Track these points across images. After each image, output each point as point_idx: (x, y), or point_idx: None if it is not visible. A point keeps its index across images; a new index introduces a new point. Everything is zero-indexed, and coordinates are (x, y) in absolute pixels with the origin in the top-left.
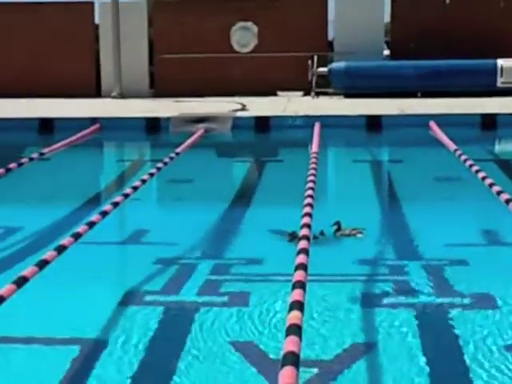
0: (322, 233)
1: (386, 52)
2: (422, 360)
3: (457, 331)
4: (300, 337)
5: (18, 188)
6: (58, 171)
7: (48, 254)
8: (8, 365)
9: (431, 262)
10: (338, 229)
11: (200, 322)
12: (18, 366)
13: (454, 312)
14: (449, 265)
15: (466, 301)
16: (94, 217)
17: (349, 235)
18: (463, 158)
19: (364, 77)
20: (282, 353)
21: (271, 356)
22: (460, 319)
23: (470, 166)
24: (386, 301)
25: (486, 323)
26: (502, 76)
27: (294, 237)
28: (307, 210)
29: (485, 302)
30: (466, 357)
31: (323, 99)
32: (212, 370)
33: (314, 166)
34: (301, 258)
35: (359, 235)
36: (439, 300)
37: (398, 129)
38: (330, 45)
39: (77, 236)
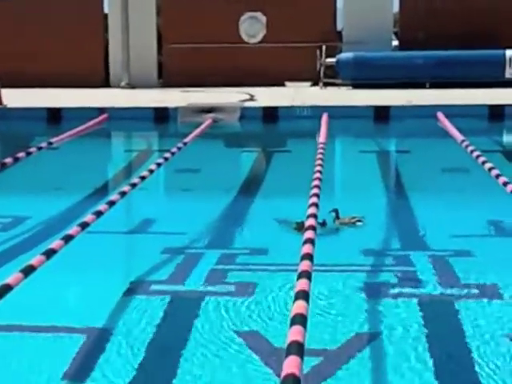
0: (324, 223)
1: (395, 42)
2: (427, 351)
3: (462, 322)
4: (305, 326)
5: (26, 177)
6: (66, 161)
7: (55, 243)
8: (15, 353)
9: (437, 253)
10: (337, 217)
11: (206, 311)
12: (24, 355)
13: (459, 303)
14: (455, 255)
15: (472, 291)
16: (102, 206)
17: (348, 223)
18: (470, 148)
19: (372, 67)
20: (286, 342)
21: (276, 345)
22: (466, 310)
23: (477, 156)
24: (391, 291)
25: (491, 314)
26: (510, 67)
27: (300, 226)
28: (313, 200)
29: (491, 292)
30: (471, 347)
31: (331, 90)
32: (217, 359)
33: (321, 156)
34: (307, 248)
35: (359, 223)
36: (445, 291)
37: (405, 120)
38: (339, 35)
39: (84, 225)
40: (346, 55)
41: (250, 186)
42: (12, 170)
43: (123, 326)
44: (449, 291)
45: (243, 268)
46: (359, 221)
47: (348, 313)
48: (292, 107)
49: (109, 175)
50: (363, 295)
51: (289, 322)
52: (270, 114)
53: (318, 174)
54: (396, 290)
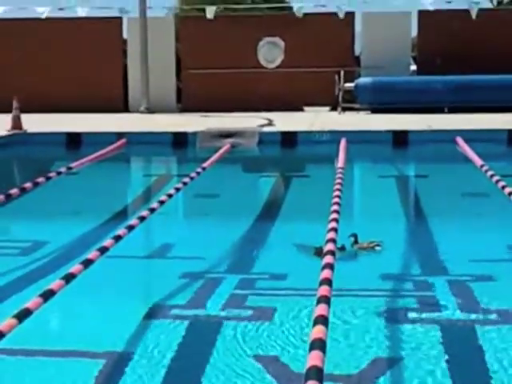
0: (342, 247)
1: (413, 67)
2: (447, 377)
3: (483, 347)
4: (324, 351)
5: (46, 202)
6: (85, 185)
7: (75, 267)
8: (35, 378)
9: (457, 278)
10: (355, 241)
11: (225, 335)
12: (45, 379)
13: (480, 328)
14: (475, 280)
15: (493, 317)
16: (121, 231)
17: (366, 248)
18: (490, 173)
19: (391, 92)
20: (305, 367)
21: (295, 370)
22: (487, 335)
23: (497, 181)
24: (410, 316)
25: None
26: None
27: (319, 251)
28: (333, 224)
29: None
30: (491, 373)
31: (350, 114)
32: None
33: (339, 181)
34: (326, 273)
35: (377, 248)
36: (465, 316)
37: (424, 144)
38: (357, 60)
39: (103, 250)
40: (364, 80)
41: (269, 211)
42: (32, 194)
43: (143, 350)
44: (469, 316)
45: (262, 293)
46: (378, 245)
47: (367, 338)
48: (310, 132)
49: (128, 200)
50: (382, 320)
51: (308, 347)
52: (289, 139)
53: (336, 199)
54: (415, 315)
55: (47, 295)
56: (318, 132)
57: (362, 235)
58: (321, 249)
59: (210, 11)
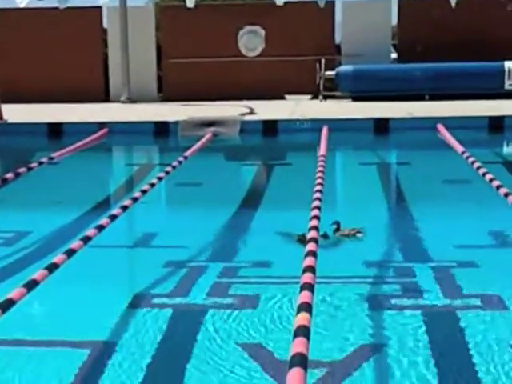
0: (325, 235)
1: (394, 55)
2: (430, 362)
3: (466, 333)
4: (308, 338)
5: (28, 192)
6: (67, 175)
7: (58, 257)
8: (19, 368)
9: (439, 264)
10: (338, 228)
11: (208, 324)
12: (28, 369)
13: (462, 314)
14: (457, 266)
15: (475, 302)
16: (103, 220)
17: (348, 235)
18: (471, 160)
19: (372, 80)
20: (290, 354)
21: (279, 357)
22: (469, 321)
23: (478, 168)
24: (393, 302)
25: (494, 325)
26: (509, 78)
27: (302, 239)
28: (315, 212)
29: (494, 303)
30: (475, 358)
31: (331, 102)
32: (220, 371)
33: (321, 169)
34: (309, 261)
35: (359, 235)
36: (447, 302)
37: (405, 132)
38: (338, 48)
39: (86, 239)
40: (345, 68)
41: (251, 199)
42: (13, 185)
43: (127, 339)
44: (451, 302)
45: (246, 281)
46: (359, 232)
47: (351, 324)
48: (292, 120)
49: (110, 189)
50: (366, 307)
51: (292, 334)
52: (270, 128)
53: (318, 187)
54: (398, 302)
55: (30, 285)
56: (300, 120)
57: (345, 222)
58: (303, 236)
59: (191, 0)
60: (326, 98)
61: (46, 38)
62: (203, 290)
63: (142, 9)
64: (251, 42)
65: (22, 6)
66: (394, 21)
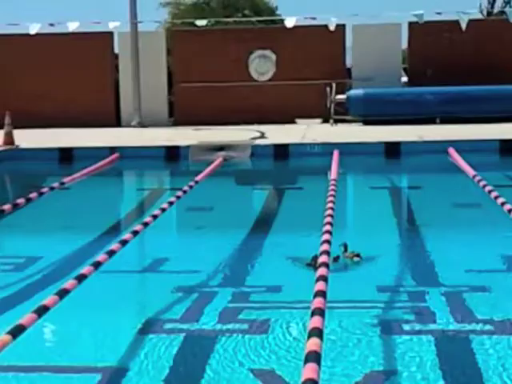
0: (336, 258)
1: (404, 79)
2: None
3: (478, 358)
4: (319, 364)
5: (39, 217)
6: (78, 200)
7: (68, 282)
8: None
9: (451, 288)
10: (345, 250)
11: (220, 349)
12: None
13: (474, 338)
14: (468, 291)
15: (488, 327)
16: (114, 245)
17: (348, 258)
18: (482, 183)
19: (382, 103)
20: (301, 380)
21: (291, 383)
22: (482, 345)
23: (489, 191)
24: (405, 328)
25: (507, 350)
26: None
27: (314, 261)
28: (326, 237)
29: (506, 328)
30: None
31: (342, 126)
32: None
33: (332, 193)
34: (320, 285)
35: (356, 258)
36: (459, 327)
37: (416, 155)
38: (348, 72)
39: (97, 265)
40: (355, 92)
41: (263, 224)
42: (24, 210)
43: (137, 364)
44: (463, 327)
45: (257, 306)
46: (357, 256)
47: (363, 350)
48: (303, 144)
49: (121, 214)
50: (377, 332)
51: (303, 360)
52: (281, 152)
53: (329, 211)
54: (410, 327)
55: (41, 311)
56: (311, 144)
57: (356, 246)
58: (315, 257)
59: (201, 24)
60: (336, 121)
61: (57, 63)
62: (214, 315)
63: (153, 33)
64: (262, 66)
65: (33, 32)
66: (405, 44)
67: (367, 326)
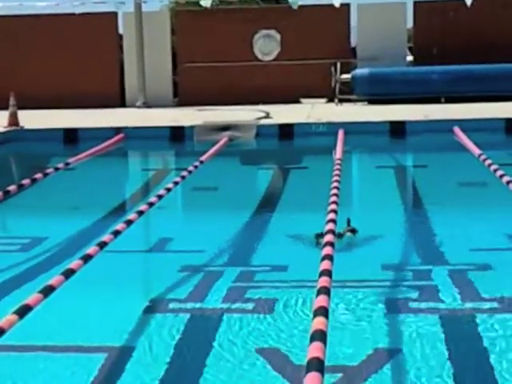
0: (340, 234)
1: (409, 58)
2: (448, 366)
3: (483, 336)
4: (325, 343)
5: (44, 198)
6: (83, 181)
7: (74, 263)
8: (35, 374)
9: (456, 267)
10: (348, 224)
11: (225, 328)
12: (45, 375)
13: (480, 316)
14: (474, 269)
15: (493, 305)
16: (120, 225)
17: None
18: (488, 162)
19: (387, 83)
20: (306, 359)
21: (296, 362)
22: (486, 324)
23: (495, 170)
24: (411, 306)
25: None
26: None
27: (319, 237)
28: (331, 216)
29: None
30: (493, 361)
31: (347, 106)
32: (237, 376)
33: (337, 172)
34: (325, 264)
35: (348, 234)
36: (465, 305)
37: (422, 134)
38: (353, 51)
39: (102, 245)
40: (361, 71)
41: (268, 203)
42: (29, 191)
43: (143, 344)
44: (469, 305)
45: (262, 285)
46: (350, 231)
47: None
48: (308, 124)
49: (126, 194)
50: (383, 310)
51: (308, 339)
52: (286, 131)
53: (335, 190)
54: (416, 305)
55: (47, 291)
56: (316, 124)
57: (361, 225)
58: (321, 234)
59: (205, 4)
60: (341, 101)
61: (61, 43)
62: (219, 295)
63: (157, 14)
64: (267, 46)
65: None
66: (410, 23)
67: (373, 303)
